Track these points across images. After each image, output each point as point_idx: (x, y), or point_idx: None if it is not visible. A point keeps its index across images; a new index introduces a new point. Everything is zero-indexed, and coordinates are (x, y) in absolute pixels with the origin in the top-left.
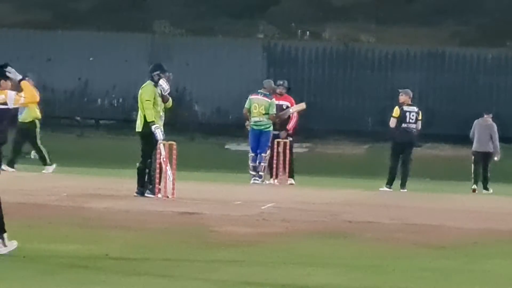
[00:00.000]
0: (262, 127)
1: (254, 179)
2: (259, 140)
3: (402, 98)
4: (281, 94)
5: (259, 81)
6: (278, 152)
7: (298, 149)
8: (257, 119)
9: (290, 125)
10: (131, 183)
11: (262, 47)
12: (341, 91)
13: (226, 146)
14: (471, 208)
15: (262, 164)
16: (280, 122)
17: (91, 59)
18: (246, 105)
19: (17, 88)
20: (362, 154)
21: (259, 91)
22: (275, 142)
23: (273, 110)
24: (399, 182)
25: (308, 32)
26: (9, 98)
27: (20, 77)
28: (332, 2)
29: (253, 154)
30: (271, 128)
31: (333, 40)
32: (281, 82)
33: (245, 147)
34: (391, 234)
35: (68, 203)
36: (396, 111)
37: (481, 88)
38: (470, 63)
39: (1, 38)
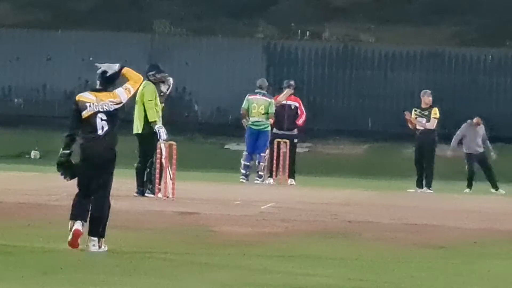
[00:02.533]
0: (261, 127)
1: (243, 178)
2: (257, 140)
3: (430, 99)
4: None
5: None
6: (281, 152)
7: (298, 149)
8: (256, 119)
9: (301, 121)
10: (131, 183)
11: (262, 47)
12: (341, 91)
13: (226, 146)
14: (471, 208)
15: (261, 164)
16: (288, 120)
17: (91, 59)
18: (244, 106)
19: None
20: (362, 154)
21: (256, 91)
22: (275, 142)
23: (273, 110)
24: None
25: (308, 32)
26: (122, 96)
27: (117, 66)
28: (332, 2)
29: (246, 153)
30: (269, 128)
31: (333, 40)
32: (290, 82)
33: (245, 147)
34: (391, 234)
35: (68, 203)
36: (438, 113)
37: (481, 88)
38: (470, 63)
39: (1, 38)
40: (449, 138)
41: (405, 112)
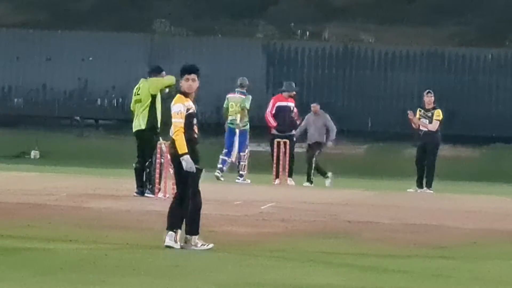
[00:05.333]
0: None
1: (218, 172)
2: (237, 140)
3: (431, 99)
4: (288, 96)
5: (259, 81)
6: (280, 152)
7: (297, 149)
8: (233, 117)
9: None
10: (131, 183)
11: (262, 47)
12: (341, 91)
13: None
14: (471, 208)
15: (242, 163)
16: (288, 122)
17: (90, 59)
18: (225, 105)
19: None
20: (362, 154)
21: (236, 89)
22: (275, 142)
23: (245, 104)
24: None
25: (308, 32)
26: (174, 108)
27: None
28: (332, 2)
29: (226, 150)
30: (247, 127)
31: (333, 40)
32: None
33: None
34: (391, 234)
35: (68, 203)
36: (441, 114)
37: (481, 88)
38: (470, 63)
39: (1, 38)
40: (449, 138)
41: (408, 112)
